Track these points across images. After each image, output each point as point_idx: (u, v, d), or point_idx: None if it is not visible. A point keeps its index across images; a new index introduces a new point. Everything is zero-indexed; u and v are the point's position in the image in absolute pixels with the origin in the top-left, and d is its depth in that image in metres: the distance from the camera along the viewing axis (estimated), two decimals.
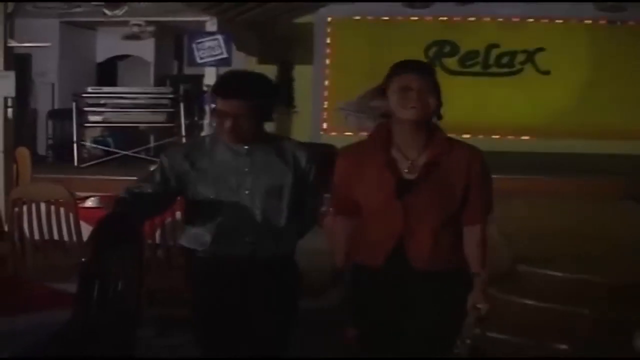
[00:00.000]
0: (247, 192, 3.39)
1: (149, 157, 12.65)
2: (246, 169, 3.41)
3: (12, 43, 7.10)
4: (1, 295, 3.24)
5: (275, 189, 3.43)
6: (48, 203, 5.08)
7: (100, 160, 12.68)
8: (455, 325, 3.26)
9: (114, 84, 15.33)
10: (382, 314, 3.31)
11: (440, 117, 3.30)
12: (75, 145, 12.44)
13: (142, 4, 11.74)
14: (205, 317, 3.52)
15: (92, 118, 12.77)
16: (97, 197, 5.87)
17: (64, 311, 2.88)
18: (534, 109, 15.84)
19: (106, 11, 9.71)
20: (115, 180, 9.17)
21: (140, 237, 3.20)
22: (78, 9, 11.88)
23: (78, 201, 5.36)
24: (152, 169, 3.61)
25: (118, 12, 9.57)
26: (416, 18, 15.99)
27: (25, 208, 5.04)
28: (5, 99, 7.17)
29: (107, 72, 15.91)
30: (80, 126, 12.65)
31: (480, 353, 3.34)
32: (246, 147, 3.42)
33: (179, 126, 12.91)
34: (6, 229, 5.34)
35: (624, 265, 5.85)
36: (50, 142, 13.48)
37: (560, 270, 5.63)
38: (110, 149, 13.12)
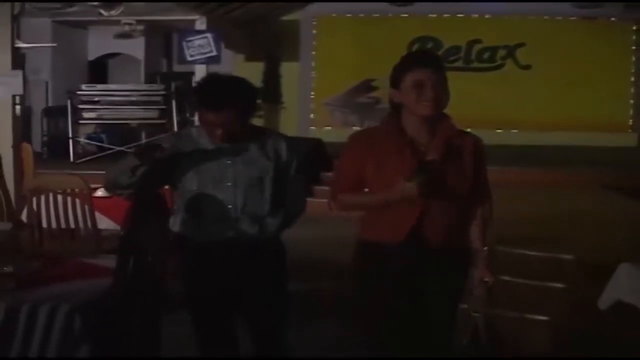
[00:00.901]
0: (229, 184, 3.48)
1: None
2: (229, 162, 3.49)
3: (19, 44, 7.46)
4: (46, 268, 3.63)
5: (257, 180, 3.52)
6: (64, 193, 5.44)
7: (95, 156, 12.96)
8: (460, 298, 3.38)
9: (105, 82, 15.61)
10: (396, 290, 3.33)
11: None
12: (70, 142, 12.70)
13: (133, 3, 12.08)
14: (196, 301, 3.60)
15: (86, 115, 13.03)
16: None
17: (95, 279, 3.46)
18: (515, 103, 16.26)
19: (102, 11, 10.00)
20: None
21: (165, 215, 3.58)
22: (71, 9, 12.15)
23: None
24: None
25: (114, 12, 9.87)
26: (399, 15, 16.39)
27: (42, 198, 5.40)
28: (14, 97, 7.54)
29: (99, 70, 16.23)
30: (75, 123, 12.91)
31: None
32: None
33: (171, 122, 13.17)
34: (22, 217, 5.70)
35: (593, 246, 6.35)
36: (45, 138, 13.74)
37: (534, 250, 6.11)
38: (104, 145, 13.42)
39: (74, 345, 2.92)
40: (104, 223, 5.76)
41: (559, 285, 5.47)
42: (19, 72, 7.45)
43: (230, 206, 3.48)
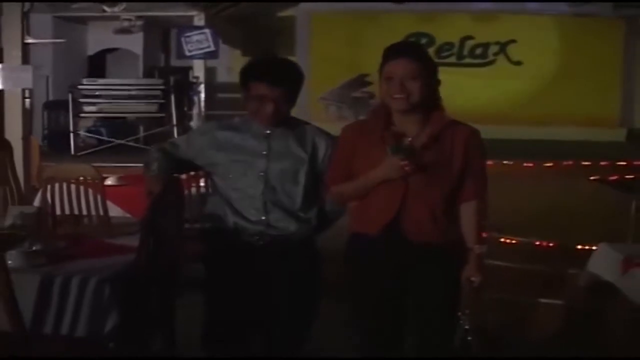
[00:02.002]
0: (261, 173, 3.46)
1: (140, 146, 13.25)
2: (264, 152, 3.47)
3: (29, 39, 7.73)
4: (76, 246, 3.95)
5: (291, 173, 3.48)
6: (77, 182, 5.72)
7: (95, 149, 13.21)
8: (451, 298, 3.25)
9: (103, 76, 15.84)
10: (377, 284, 3.30)
11: (436, 97, 3.29)
12: (72, 135, 12.96)
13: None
14: (218, 293, 3.58)
15: (87, 109, 13.29)
16: (115, 176, 6.54)
17: (117, 256, 3.73)
18: (506, 98, 16.54)
19: (105, 8, 10.26)
20: (111, 167, 9.69)
21: (182, 199, 3.85)
22: (75, 5, 12.37)
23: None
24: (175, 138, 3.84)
25: (116, 9, 10.13)
26: (393, 12, 16.61)
27: (57, 186, 5.67)
28: (23, 90, 7.83)
29: (98, 64, 16.47)
30: (76, 116, 13.17)
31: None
32: (268, 131, 3.50)
33: (170, 116, 13.42)
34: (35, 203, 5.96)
35: (573, 232, 6.73)
36: (45, 132, 13.96)
37: (518, 235, 6.50)
38: (104, 138, 13.67)
39: (104, 312, 3.24)
40: (113, 211, 6.03)
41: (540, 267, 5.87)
42: (29, 67, 7.73)
43: (260, 196, 3.47)
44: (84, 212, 5.72)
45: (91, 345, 3.20)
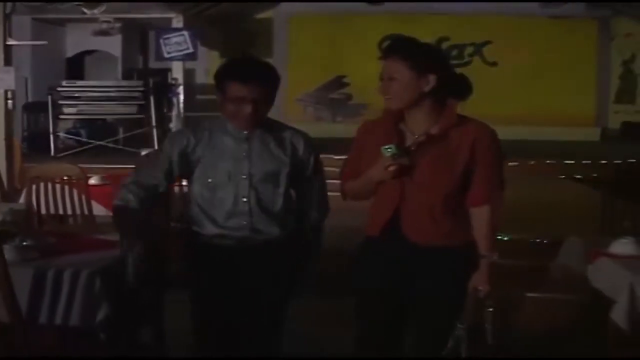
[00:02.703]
0: (244, 177, 3.37)
1: (119, 147, 13.33)
2: (244, 154, 3.39)
3: (11, 41, 7.82)
4: (65, 241, 4.07)
5: (272, 175, 3.41)
6: (62, 181, 5.84)
7: (75, 150, 13.25)
8: (454, 303, 3.14)
9: (81, 78, 15.86)
10: (378, 285, 3.25)
11: (462, 93, 3.21)
12: (52, 137, 13.00)
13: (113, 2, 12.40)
14: (202, 299, 3.51)
15: (67, 110, 13.31)
16: (99, 175, 6.66)
17: (105, 251, 3.80)
18: (482, 98, 16.70)
19: (85, 10, 10.34)
20: (91, 168, 9.77)
21: (166, 204, 3.93)
22: (62, 6, 12.39)
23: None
24: (144, 153, 3.79)
25: (96, 11, 10.21)
26: (370, 14, 16.76)
27: (42, 185, 5.80)
28: (6, 92, 7.91)
29: (76, 66, 16.51)
30: (56, 118, 13.20)
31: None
32: (245, 132, 3.41)
33: (149, 118, 13.49)
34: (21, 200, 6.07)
35: (549, 227, 6.95)
36: (25, 133, 13.96)
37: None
38: (84, 140, 13.72)
39: (95, 303, 3.37)
40: (98, 209, 6.15)
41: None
42: (11, 69, 7.83)
43: (244, 200, 3.38)
44: (69, 211, 5.86)
45: (84, 335, 3.33)
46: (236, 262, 3.42)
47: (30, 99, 14.71)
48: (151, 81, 13.91)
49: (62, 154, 12.78)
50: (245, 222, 3.40)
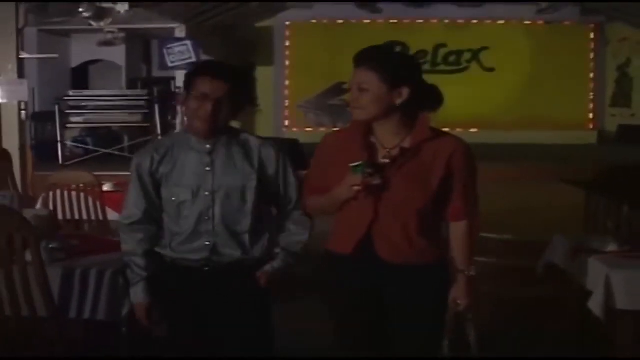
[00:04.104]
0: (206, 193, 3.17)
1: (125, 155, 13.61)
2: (207, 169, 3.18)
3: (24, 55, 8.13)
4: (86, 244, 4.38)
5: (237, 190, 3.18)
6: (78, 188, 6.15)
7: (82, 158, 13.50)
8: (429, 321, 3.08)
9: (86, 87, 16.15)
10: (351, 305, 3.15)
11: (432, 105, 3.10)
12: (59, 145, 13.27)
13: (118, 12, 12.66)
14: (169, 323, 3.35)
15: (74, 119, 13.56)
16: (111, 183, 6.96)
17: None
18: (480, 103, 16.96)
19: (92, 23, 10.62)
20: (100, 176, 10.02)
21: None
22: (57, 19, 12.68)
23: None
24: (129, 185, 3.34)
25: (103, 23, 10.51)
26: (369, 21, 17.11)
27: (58, 192, 6.11)
28: (19, 103, 8.23)
29: (81, 76, 16.78)
30: (63, 127, 13.46)
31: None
32: (208, 145, 3.19)
33: (154, 126, 13.74)
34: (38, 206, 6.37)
35: (534, 227, 7.33)
36: (33, 142, 14.19)
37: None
38: (90, 148, 14.01)
39: (119, 300, 3.71)
40: (112, 215, 6.44)
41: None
42: (25, 81, 8.14)
43: (207, 218, 3.18)
44: (85, 216, 6.16)
45: (110, 327, 3.65)
46: (198, 285, 3.22)
47: (37, 109, 14.98)
48: (156, 90, 14.17)
49: (69, 162, 13.05)
50: (207, 243, 3.19)
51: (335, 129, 3.42)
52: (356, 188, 2.95)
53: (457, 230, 3.12)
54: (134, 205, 3.26)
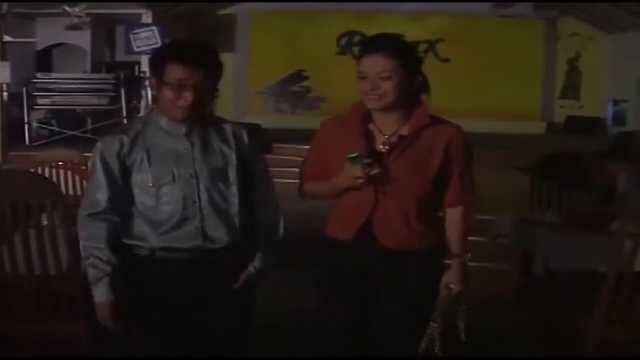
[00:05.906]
0: (189, 174, 2.99)
1: (90, 136, 13.87)
2: (185, 151, 3.01)
3: (7, 38, 8.41)
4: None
5: (220, 171, 3.03)
6: (65, 165, 6.53)
7: (48, 139, 13.70)
8: (423, 307, 3.07)
9: (51, 70, 16.28)
10: (348, 291, 3.16)
11: (424, 91, 3.10)
12: (26, 126, 13.48)
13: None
14: (146, 323, 3.06)
15: (41, 101, 13.81)
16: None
17: None
18: (435, 92, 17.40)
19: (66, 7, 10.82)
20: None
21: None
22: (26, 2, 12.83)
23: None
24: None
25: (77, 9, 10.73)
26: (329, 11, 17.46)
27: (47, 169, 6.48)
28: (1, 84, 8.49)
29: (45, 59, 16.92)
30: (30, 109, 13.68)
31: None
32: (184, 128, 3.02)
33: (120, 109, 14.06)
34: None
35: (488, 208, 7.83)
36: None
37: None
38: (55, 129, 14.22)
39: None
40: None
41: None
42: (7, 63, 8.42)
43: (193, 202, 2.99)
44: (71, 192, 6.55)
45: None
46: (186, 273, 3.02)
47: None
48: (122, 74, 14.44)
49: (36, 143, 13.26)
50: (196, 228, 3.00)
51: (332, 117, 3.29)
52: (360, 180, 2.95)
53: (452, 216, 3.14)
54: (97, 193, 3.00)
